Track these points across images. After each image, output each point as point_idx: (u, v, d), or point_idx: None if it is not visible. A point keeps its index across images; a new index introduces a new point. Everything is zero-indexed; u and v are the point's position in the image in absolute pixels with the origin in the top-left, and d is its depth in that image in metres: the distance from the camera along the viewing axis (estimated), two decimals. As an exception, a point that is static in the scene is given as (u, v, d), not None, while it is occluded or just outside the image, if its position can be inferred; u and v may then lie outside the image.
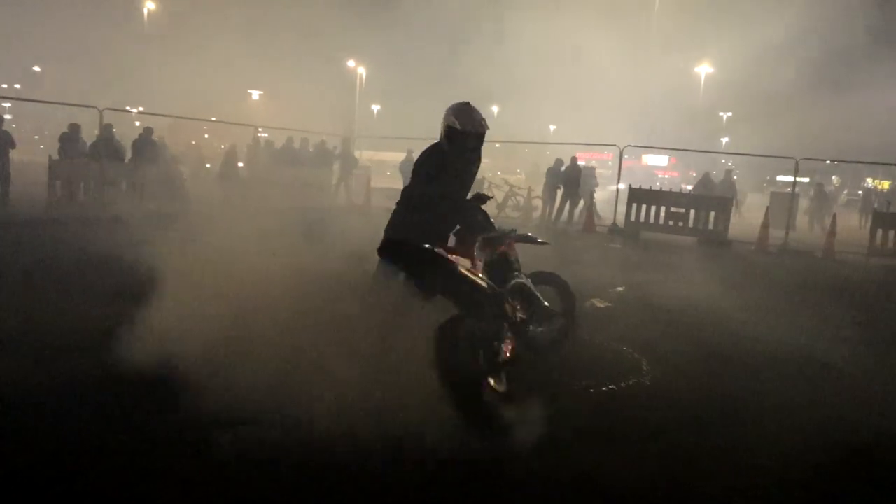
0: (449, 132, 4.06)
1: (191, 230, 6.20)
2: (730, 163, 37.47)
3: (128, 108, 24.48)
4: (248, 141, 17.85)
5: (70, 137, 13.59)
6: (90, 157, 13.54)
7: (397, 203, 4.21)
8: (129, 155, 14.22)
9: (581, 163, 16.79)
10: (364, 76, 49.00)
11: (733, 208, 15.18)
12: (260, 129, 20.14)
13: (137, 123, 21.32)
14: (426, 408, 3.34)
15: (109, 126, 14.04)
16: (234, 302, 4.10)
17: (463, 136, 4.03)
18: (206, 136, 35.65)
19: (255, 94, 44.11)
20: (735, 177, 16.55)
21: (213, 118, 24.08)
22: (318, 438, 3.15)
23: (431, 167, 4.07)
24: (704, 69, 43.35)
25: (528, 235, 4.76)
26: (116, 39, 39.05)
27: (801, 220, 19.16)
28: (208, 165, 20.74)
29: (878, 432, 3.85)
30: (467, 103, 4.15)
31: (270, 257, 4.64)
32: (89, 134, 14.64)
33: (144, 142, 14.33)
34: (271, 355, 3.67)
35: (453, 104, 4.15)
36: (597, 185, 17.52)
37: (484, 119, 4.12)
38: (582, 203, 16.27)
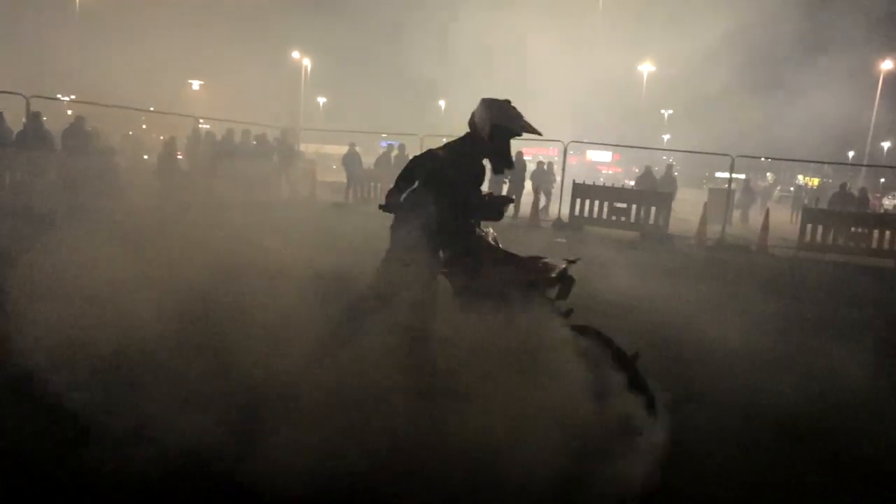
0: (495, 130, 3.80)
1: (114, 226, 5.98)
2: (671, 159, 38.57)
3: (58, 95, 23.40)
4: (188, 132, 17.29)
5: (-7, 125, 12.90)
6: (16, 146, 12.87)
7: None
8: (58, 145, 13.58)
9: (541, 157, 17.08)
10: (309, 68, 48.21)
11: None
12: (201, 121, 19.57)
13: (70, 112, 20.39)
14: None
15: (38, 114, 13.36)
16: (99, 312, 3.94)
17: (507, 135, 3.87)
18: (144, 126, 34.44)
19: (196, 84, 42.90)
20: (676, 173, 17.00)
21: (151, 108, 23.26)
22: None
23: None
24: (647, 67, 44.42)
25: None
26: (47, 23, 37.25)
27: (737, 214, 19.87)
28: (146, 157, 20.04)
29: (800, 412, 4.03)
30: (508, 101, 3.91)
31: (186, 256, 4.51)
32: (16, 123, 13.90)
33: (76, 132, 13.70)
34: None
35: (495, 100, 3.88)
36: (555, 181, 17.78)
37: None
38: (544, 199, 16.72)
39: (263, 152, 17.41)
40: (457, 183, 3.81)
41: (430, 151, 3.90)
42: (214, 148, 16.65)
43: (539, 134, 3.87)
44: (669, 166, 17.09)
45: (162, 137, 17.74)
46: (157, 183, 14.72)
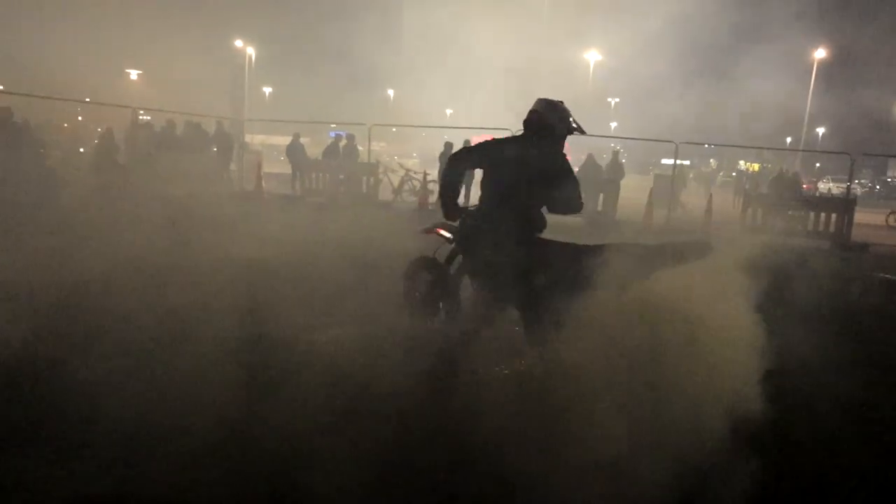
0: (570, 130, 4.12)
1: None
2: (618, 146, 39.20)
3: (-15, 85, 22.22)
4: (126, 124, 16.63)
5: None
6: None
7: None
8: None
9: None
10: (254, 57, 47.06)
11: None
12: (141, 112, 18.89)
13: (-1, 104, 19.36)
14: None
15: (-40, 106, 12.66)
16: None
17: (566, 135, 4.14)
18: (80, 118, 33.08)
19: (134, 74, 41.40)
20: (623, 160, 17.20)
21: (87, 99, 22.33)
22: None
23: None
24: (593, 56, 44.95)
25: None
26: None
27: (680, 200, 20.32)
28: (82, 150, 19.23)
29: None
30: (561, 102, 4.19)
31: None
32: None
33: (3, 124, 12.99)
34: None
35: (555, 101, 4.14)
36: None
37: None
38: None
39: (203, 144, 16.91)
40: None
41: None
42: (153, 140, 16.08)
43: (584, 133, 4.22)
44: (616, 153, 17.26)
45: (99, 129, 17.07)
46: (93, 178, 14.16)
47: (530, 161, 3.99)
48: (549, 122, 4.08)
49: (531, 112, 4.14)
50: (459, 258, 4.72)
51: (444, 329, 4.71)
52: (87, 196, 12.46)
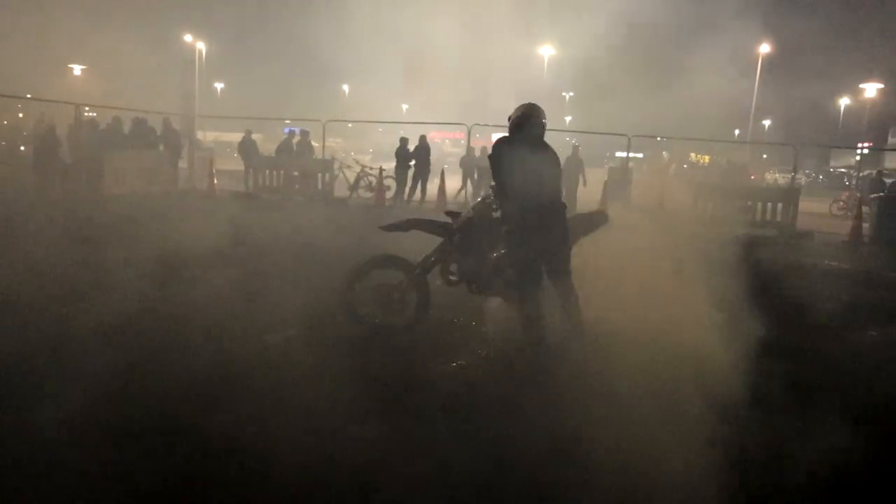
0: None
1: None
2: (574, 140, 39.62)
3: (-83, 82, 21.14)
4: (70, 121, 16.03)
5: None
6: None
7: None
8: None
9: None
10: (204, 52, 45.98)
11: (580, 182, 15.98)
12: (86, 108, 18.26)
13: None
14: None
15: None
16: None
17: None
18: (21, 115, 31.82)
19: (78, 69, 39.98)
20: (581, 156, 17.17)
21: (29, 95, 21.50)
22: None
23: None
24: (547, 50, 45.32)
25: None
26: None
27: (634, 192, 20.56)
28: (23, 148, 18.49)
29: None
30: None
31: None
32: None
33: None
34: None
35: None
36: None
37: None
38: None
39: (150, 141, 16.43)
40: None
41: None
42: (98, 137, 15.54)
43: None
44: (575, 147, 17.15)
45: (40, 125, 16.41)
46: (34, 177, 13.62)
47: (549, 156, 4.71)
48: (541, 122, 4.71)
49: (525, 115, 4.67)
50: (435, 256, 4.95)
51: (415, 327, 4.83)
52: (24, 196, 12.04)
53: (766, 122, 57.29)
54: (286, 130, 19.89)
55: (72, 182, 13.75)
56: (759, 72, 42.30)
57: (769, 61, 42.76)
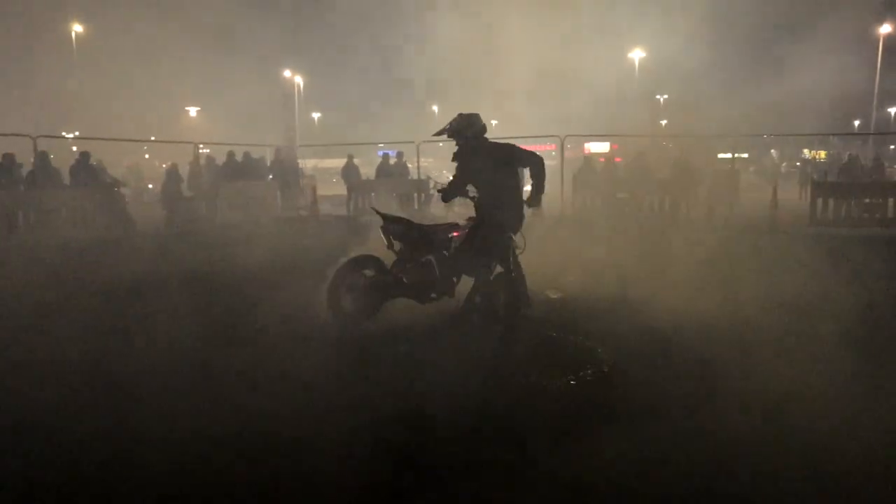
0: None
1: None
2: (670, 145, 38.31)
3: (63, 133, 23.74)
4: (189, 158, 17.50)
5: (4, 167, 13.11)
6: (27, 185, 13.11)
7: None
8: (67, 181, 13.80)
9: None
10: (302, 85, 48.44)
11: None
12: (201, 146, 19.80)
13: (74, 149, 20.75)
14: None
15: (45, 153, 13.62)
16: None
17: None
18: (147, 156, 34.84)
19: (193, 111, 43.28)
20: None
21: (153, 137, 23.53)
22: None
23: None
24: (637, 54, 44.33)
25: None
26: (46, 62, 37.73)
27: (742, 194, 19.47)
28: (150, 186, 20.25)
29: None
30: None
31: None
32: (25, 163, 14.14)
33: (81, 166, 13.93)
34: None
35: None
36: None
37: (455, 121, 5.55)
38: None
39: (261, 172, 17.64)
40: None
41: None
42: (214, 171, 16.87)
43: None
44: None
45: (164, 166, 18.02)
46: (162, 210, 14.98)
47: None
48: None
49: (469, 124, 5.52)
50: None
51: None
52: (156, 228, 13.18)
53: (893, 110, 52.91)
54: (380, 154, 20.59)
55: (192, 212, 14.98)
56: (880, 54, 38.97)
57: (892, 42, 39.42)
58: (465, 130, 5.51)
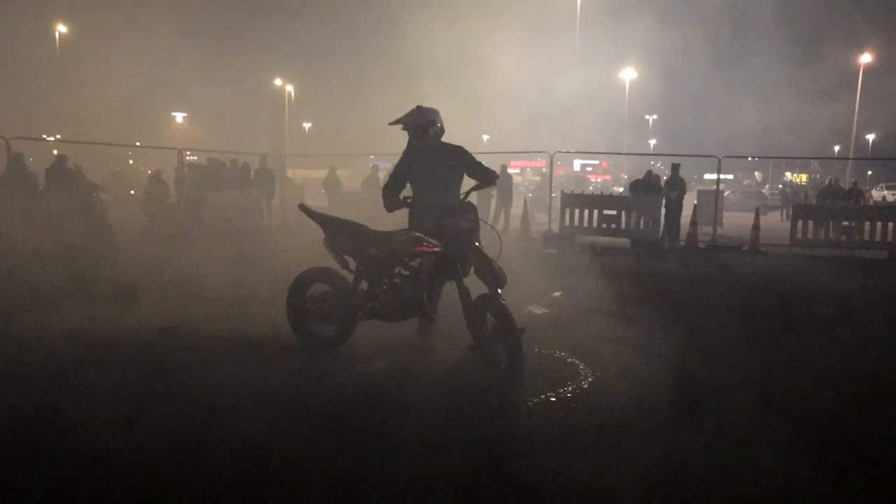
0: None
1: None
2: (659, 164, 38.65)
3: (43, 136, 23.40)
4: (174, 164, 17.23)
5: (-25, 170, 12.76)
6: (-1, 188, 12.73)
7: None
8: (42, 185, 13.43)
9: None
10: (292, 94, 48.31)
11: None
12: (188, 153, 19.55)
13: (55, 152, 20.43)
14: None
15: (20, 155, 13.23)
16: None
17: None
18: (131, 161, 34.42)
19: (179, 117, 43.00)
20: (683, 176, 16.12)
21: (137, 143, 23.25)
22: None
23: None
24: (629, 74, 44.72)
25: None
26: (26, 62, 37.31)
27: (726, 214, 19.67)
28: (133, 192, 19.95)
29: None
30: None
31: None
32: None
33: (57, 171, 13.57)
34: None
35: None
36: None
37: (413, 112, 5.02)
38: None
39: (247, 181, 17.31)
40: None
41: None
42: (199, 178, 16.55)
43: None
44: (675, 167, 15.99)
45: (149, 171, 17.70)
46: (143, 217, 14.64)
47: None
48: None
49: (430, 121, 5.01)
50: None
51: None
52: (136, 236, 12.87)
53: (870, 137, 53.99)
54: (371, 165, 20.41)
55: (174, 220, 14.65)
56: (860, 84, 40.05)
57: (871, 72, 40.38)
58: (427, 126, 4.96)
